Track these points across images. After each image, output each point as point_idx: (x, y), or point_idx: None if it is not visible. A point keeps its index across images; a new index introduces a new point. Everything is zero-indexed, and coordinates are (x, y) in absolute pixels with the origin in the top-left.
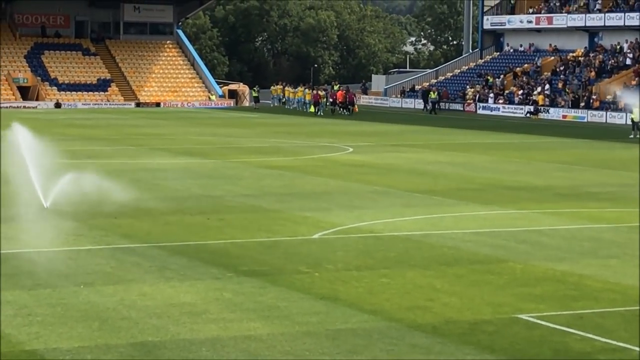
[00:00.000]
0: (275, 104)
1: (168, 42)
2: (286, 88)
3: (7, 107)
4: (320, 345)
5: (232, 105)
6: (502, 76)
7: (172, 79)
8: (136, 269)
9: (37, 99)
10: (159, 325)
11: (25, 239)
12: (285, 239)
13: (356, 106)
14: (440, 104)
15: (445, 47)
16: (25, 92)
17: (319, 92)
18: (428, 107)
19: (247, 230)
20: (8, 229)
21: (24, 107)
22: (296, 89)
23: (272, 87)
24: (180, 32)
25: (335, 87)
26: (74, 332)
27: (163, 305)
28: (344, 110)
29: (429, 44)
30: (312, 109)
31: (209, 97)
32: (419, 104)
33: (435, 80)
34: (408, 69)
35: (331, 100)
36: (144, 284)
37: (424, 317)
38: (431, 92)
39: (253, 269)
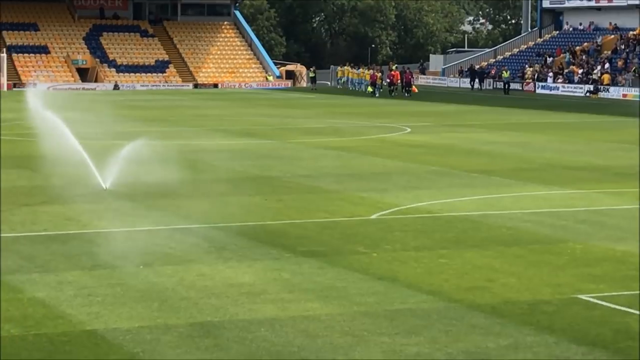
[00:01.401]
0: (340, 86)
1: (225, 23)
2: (349, 69)
3: (66, 89)
4: (379, 326)
5: (289, 86)
6: (566, 54)
7: (230, 60)
8: (195, 250)
9: (95, 81)
10: (218, 305)
11: (85, 220)
12: (343, 220)
13: (414, 87)
14: (499, 83)
15: (503, 26)
16: (84, 74)
17: (377, 72)
18: (476, 86)
19: (305, 210)
20: (68, 210)
21: (83, 88)
22: (359, 70)
23: (338, 69)
24: (237, 13)
25: (393, 68)
26: (133, 312)
27: (222, 285)
28: (402, 91)
29: (488, 23)
30: (370, 89)
31: (266, 78)
32: (477, 83)
33: (494, 60)
34: (466, 49)
35: (388, 80)
36: (202, 264)
37: (482, 298)
38: (503, 72)
39: (311, 249)
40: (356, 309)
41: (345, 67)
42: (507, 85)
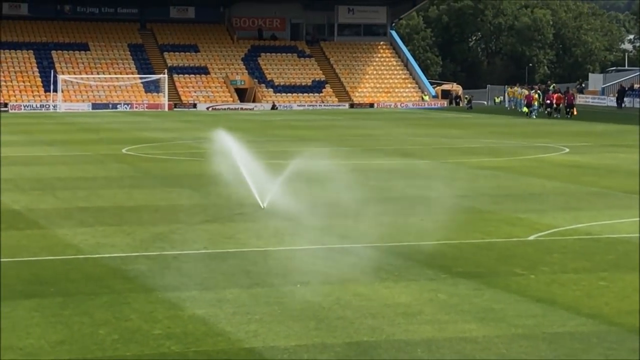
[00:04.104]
0: (513, 107)
1: (381, 43)
2: (517, 89)
3: (224, 109)
4: (537, 349)
5: (445, 105)
6: None
7: (386, 79)
8: (351, 269)
9: (253, 101)
10: (374, 325)
11: (243, 238)
12: (500, 241)
13: (575, 108)
14: None
15: None
16: (242, 94)
17: (534, 94)
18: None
19: (461, 231)
20: (227, 228)
21: (241, 109)
22: (521, 90)
23: (508, 89)
24: (393, 32)
25: (551, 88)
26: (291, 331)
27: (378, 305)
28: (565, 113)
29: None
30: (525, 110)
31: (422, 98)
32: (637, 102)
33: None
34: (626, 67)
35: (547, 102)
36: (359, 284)
37: None
38: None
39: (468, 270)
40: (514, 332)
41: (515, 88)
42: None
